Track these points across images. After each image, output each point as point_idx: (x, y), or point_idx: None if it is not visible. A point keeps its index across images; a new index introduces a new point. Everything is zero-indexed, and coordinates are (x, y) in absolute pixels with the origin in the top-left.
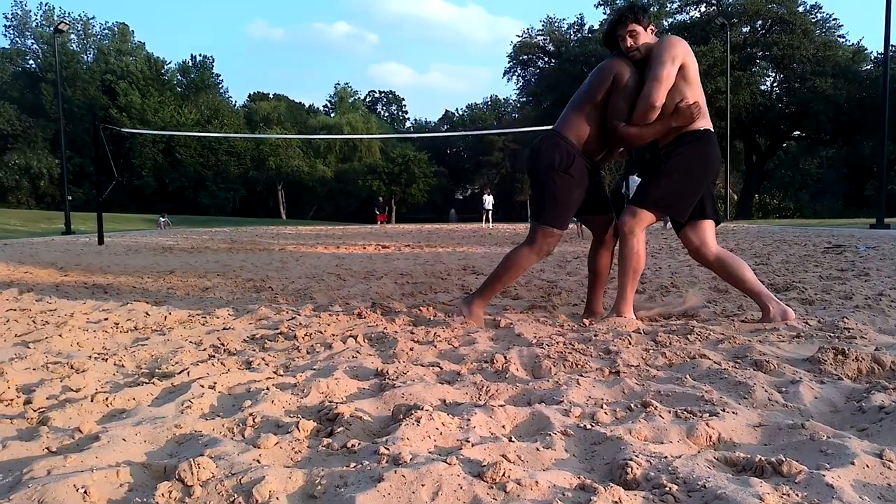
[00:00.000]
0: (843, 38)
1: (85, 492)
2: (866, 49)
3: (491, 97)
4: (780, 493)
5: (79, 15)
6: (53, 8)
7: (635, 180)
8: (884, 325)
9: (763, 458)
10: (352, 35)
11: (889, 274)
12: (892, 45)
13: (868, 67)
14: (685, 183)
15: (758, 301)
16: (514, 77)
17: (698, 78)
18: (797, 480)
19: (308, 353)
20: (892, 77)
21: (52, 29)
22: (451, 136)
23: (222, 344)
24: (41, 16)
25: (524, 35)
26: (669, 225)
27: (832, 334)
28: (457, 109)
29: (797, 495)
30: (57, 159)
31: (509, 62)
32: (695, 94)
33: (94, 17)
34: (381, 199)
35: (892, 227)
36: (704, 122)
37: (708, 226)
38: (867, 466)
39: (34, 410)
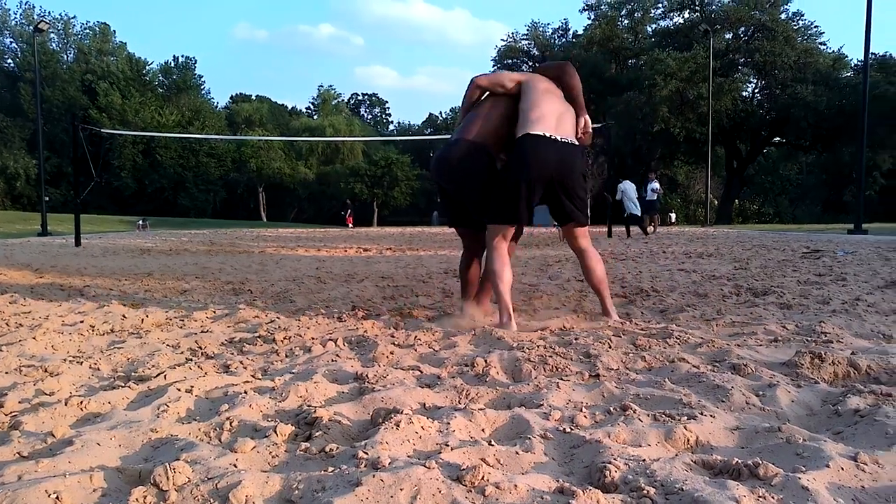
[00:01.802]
0: (824, 45)
1: (57, 497)
2: (846, 56)
3: None
4: (757, 495)
5: (59, 14)
6: (33, 6)
7: (628, 185)
8: (860, 330)
9: (740, 461)
10: (336, 37)
11: (866, 279)
12: (873, 53)
13: (848, 75)
14: (503, 189)
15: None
16: None
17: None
18: (773, 483)
19: (287, 356)
20: (872, 84)
21: (31, 28)
22: (434, 139)
23: (200, 347)
24: (20, 14)
25: (509, 39)
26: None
27: (809, 338)
28: (440, 112)
29: (773, 498)
30: (34, 159)
31: (494, 66)
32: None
33: (74, 17)
34: (348, 201)
35: (870, 233)
36: (525, 130)
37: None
38: (842, 469)
39: (5, 415)
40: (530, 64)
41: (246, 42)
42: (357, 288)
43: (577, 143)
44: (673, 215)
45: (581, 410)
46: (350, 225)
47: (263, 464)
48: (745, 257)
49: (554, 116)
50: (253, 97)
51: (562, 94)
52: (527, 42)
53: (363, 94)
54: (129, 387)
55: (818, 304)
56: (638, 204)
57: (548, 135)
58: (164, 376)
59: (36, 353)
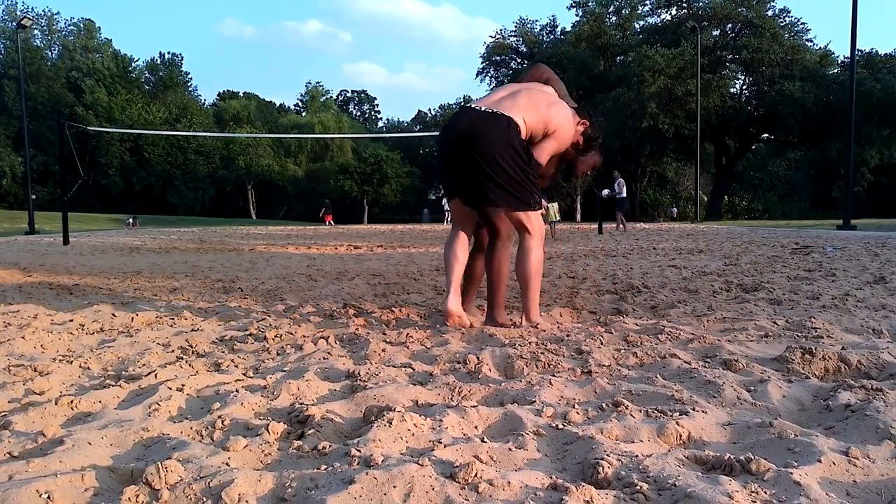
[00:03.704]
0: (811, 42)
1: (49, 497)
2: (833, 53)
3: (464, 97)
4: (749, 490)
5: (43, 10)
6: (16, 2)
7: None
8: (850, 325)
9: (732, 457)
10: (324, 34)
11: (855, 274)
12: (859, 50)
13: (835, 71)
14: None
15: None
16: (487, 78)
17: None
18: (765, 478)
19: (278, 354)
20: (859, 81)
21: (14, 24)
22: (423, 136)
23: (191, 345)
24: (3, 10)
25: (497, 36)
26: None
27: (800, 334)
28: (430, 109)
29: (765, 493)
30: (20, 157)
31: (482, 63)
32: None
33: (58, 13)
34: (327, 200)
35: (859, 229)
36: None
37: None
38: (834, 464)
39: None
40: (518, 60)
41: (233, 38)
42: (348, 286)
43: (504, 114)
44: (675, 210)
45: (573, 407)
46: (328, 223)
47: (256, 462)
48: (735, 253)
49: (498, 95)
50: (240, 94)
51: (532, 86)
52: (515, 39)
53: (352, 91)
54: (119, 386)
55: (808, 299)
56: None
57: (468, 105)
58: (155, 375)
59: (25, 353)
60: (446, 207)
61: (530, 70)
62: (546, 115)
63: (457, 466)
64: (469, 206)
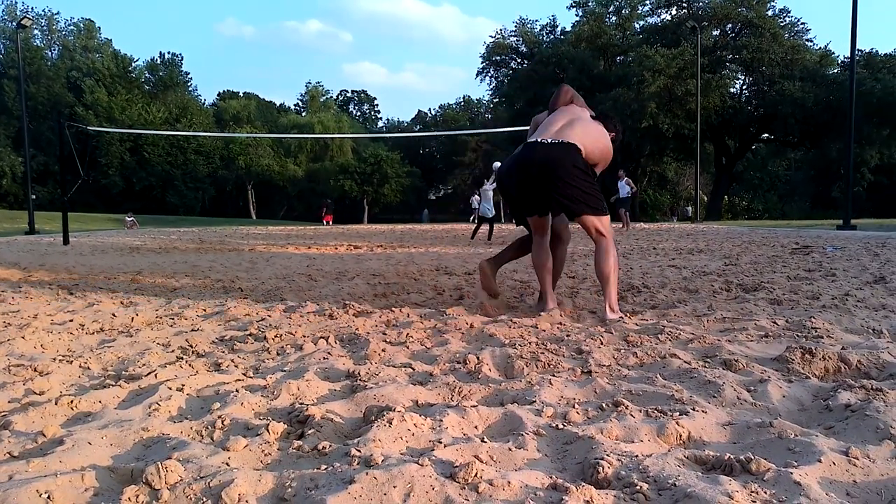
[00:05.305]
0: (811, 42)
1: (49, 497)
2: (833, 53)
3: (464, 97)
4: (749, 490)
5: (43, 10)
6: (16, 2)
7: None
8: (850, 325)
9: (732, 457)
10: (325, 33)
11: (855, 274)
12: (859, 50)
13: (835, 71)
14: None
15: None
16: (487, 78)
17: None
18: (765, 478)
19: (278, 354)
20: (859, 81)
21: (14, 24)
22: (423, 136)
23: (191, 345)
24: (3, 10)
25: (497, 36)
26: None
27: (800, 334)
28: (430, 109)
29: (765, 493)
30: (20, 157)
31: (482, 63)
32: None
33: (58, 13)
34: (328, 200)
35: (859, 229)
36: None
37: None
38: (833, 464)
39: None
40: (518, 60)
41: (233, 38)
42: (348, 285)
43: (567, 141)
44: (690, 209)
45: (573, 407)
46: (327, 223)
47: (256, 462)
48: (735, 253)
49: (557, 126)
50: (240, 94)
51: (580, 116)
52: (515, 39)
53: (352, 91)
54: (119, 386)
55: (808, 299)
56: (492, 207)
57: (536, 140)
58: (155, 375)
59: (25, 353)
60: (475, 205)
61: (560, 94)
62: (596, 144)
63: (457, 466)
64: (550, 215)
